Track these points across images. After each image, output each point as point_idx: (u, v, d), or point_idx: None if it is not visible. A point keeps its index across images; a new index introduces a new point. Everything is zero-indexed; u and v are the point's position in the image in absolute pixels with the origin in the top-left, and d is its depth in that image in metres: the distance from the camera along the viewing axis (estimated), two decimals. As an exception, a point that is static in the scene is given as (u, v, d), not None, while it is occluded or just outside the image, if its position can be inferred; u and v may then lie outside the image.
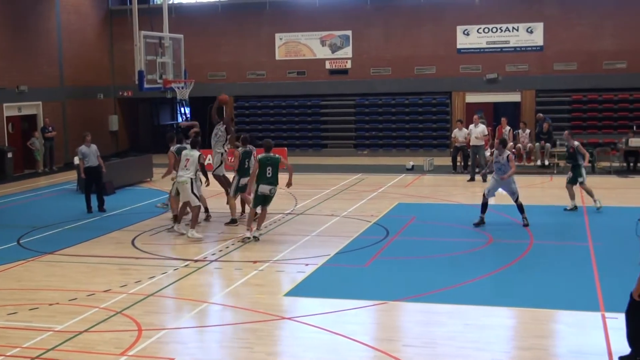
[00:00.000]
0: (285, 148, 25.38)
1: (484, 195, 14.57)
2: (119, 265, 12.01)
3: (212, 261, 12.16)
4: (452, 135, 23.80)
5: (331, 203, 17.74)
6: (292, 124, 29.89)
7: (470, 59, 27.97)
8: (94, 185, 17.25)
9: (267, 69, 29.91)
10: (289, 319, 9.15)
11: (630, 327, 7.32)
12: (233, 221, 15.06)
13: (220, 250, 12.91)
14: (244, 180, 14.92)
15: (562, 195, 17.59)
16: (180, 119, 36.02)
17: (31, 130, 26.44)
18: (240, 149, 15.00)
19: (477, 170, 21.20)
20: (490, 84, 27.81)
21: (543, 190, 19.67)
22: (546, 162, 23.57)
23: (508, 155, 14.35)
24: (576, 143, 16.07)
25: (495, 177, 14.55)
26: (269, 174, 13.50)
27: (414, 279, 10.85)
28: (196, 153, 14.02)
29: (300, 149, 29.31)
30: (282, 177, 14.00)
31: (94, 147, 17.23)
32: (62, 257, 12.61)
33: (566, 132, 16.89)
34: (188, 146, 14.60)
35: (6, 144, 24.93)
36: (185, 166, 13.92)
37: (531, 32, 27.35)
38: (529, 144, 24.21)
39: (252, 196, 13.89)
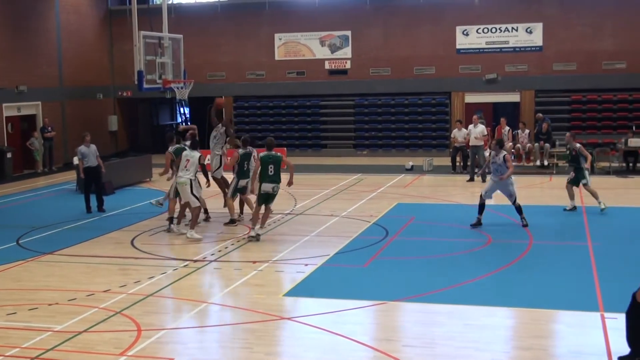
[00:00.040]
0: (285, 148, 25.38)
1: (480, 196, 14.56)
2: (118, 266, 12.01)
3: (211, 261, 12.16)
4: (452, 136, 23.81)
5: (330, 203, 17.74)
6: (291, 124, 29.89)
7: (470, 59, 27.97)
8: (94, 185, 17.25)
9: (267, 69, 29.91)
10: (289, 319, 9.15)
11: (631, 327, 7.31)
12: (232, 221, 15.06)
13: (220, 251, 12.91)
14: (242, 182, 14.94)
15: (561, 196, 17.59)
16: (179, 119, 36.01)
17: (30, 130, 26.44)
18: (240, 150, 15.00)
19: (475, 170, 21.20)
20: (490, 84, 27.82)
21: (542, 191, 19.68)
22: (545, 163, 23.57)
23: (504, 156, 14.29)
24: (578, 145, 16.06)
25: (493, 179, 14.51)
26: (271, 172, 13.55)
27: (414, 279, 10.85)
28: (197, 154, 14.01)
29: (300, 149, 29.31)
30: (283, 177, 14.02)
31: (93, 147, 17.23)
32: (62, 257, 12.61)
33: (568, 134, 16.86)
34: (187, 147, 14.62)
35: (5, 144, 24.93)
36: (186, 167, 13.91)
37: (530, 32, 27.36)
38: (528, 144, 24.22)
39: (255, 195, 13.92)
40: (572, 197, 16.06)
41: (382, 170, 24.17)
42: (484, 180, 18.46)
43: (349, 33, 29.08)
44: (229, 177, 15.53)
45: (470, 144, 21.99)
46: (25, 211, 18.15)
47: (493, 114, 28.68)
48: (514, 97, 27.95)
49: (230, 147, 16.50)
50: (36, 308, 9.67)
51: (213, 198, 17.14)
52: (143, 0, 26.69)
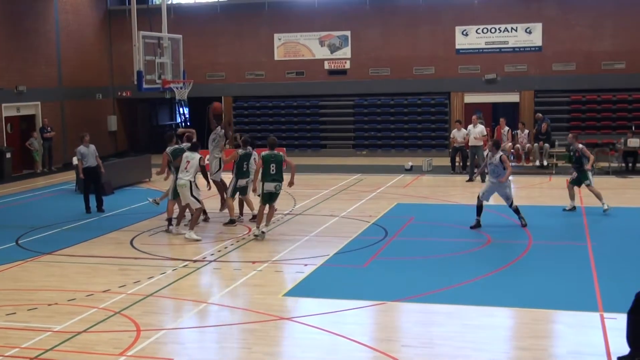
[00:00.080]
0: (284, 148, 25.39)
1: (478, 197, 14.53)
2: (117, 266, 12.00)
3: (210, 261, 12.15)
4: (451, 136, 23.81)
5: (330, 203, 17.75)
6: (291, 125, 29.90)
7: (469, 59, 27.99)
8: (93, 185, 17.25)
9: (266, 69, 29.92)
10: (288, 319, 9.15)
11: (632, 327, 7.29)
12: (231, 222, 15.06)
13: (219, 251, 12.91)
14: (241, 182, 14.96)
15: (560, 196, 17.61)
16: (179, 120, 36.00)
17: (30, 130, 26.43)
18: (240, 150, 15.03)
19: (475, 171, 21.19)
20: (489, 85, 27.83)
21: (542, 191, 19.68)
22: (545, 163, 23.57)
23: (501, 157, 14.21)
24: (580, 146, 16.05)
25: (492, 180, 14.43)
26: (273, 170, 13.62)
27: (413, 279, 10.84)
28: (197, 155, 14.00)
29: (299, 150, 29.31)
30: (285, 177, 14.02)
31: (92, 147, 17.22)
32: (61, 258, 12.61)
33: (570, 135, 16.85)
34: (185, 147, 14.62)
35: (5, 145, 24.93)
36: (186, 169, 13.90)
37: (530, 32, 27.37)
38: (528, 145, 24.23)
39: (257, 194, 14.01)
40: (572, 197, 16.06)
41: (382, 170, 24.17)
42: (483, 180, 18.47)
43: (348, 33, 29.09)
44: (229, 179, 15.52)
45: (469, 144, 21.99)
46: (24, 211, 18.14)
47: (492, 114, 28.70)
48: (513, 97, 27.95)
49: (230, 147, 16.51)
50: (35, 308, 9.67)
51: (212, 198, 17.13)
52: (142, 1, 26.67)
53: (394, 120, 29.02)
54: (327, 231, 14.45)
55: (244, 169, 14.96)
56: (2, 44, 25.36)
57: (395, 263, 11.86)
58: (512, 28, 27.52)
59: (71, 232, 14.90)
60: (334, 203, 17.78)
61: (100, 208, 17.07)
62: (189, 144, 14.73)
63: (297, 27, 29.45)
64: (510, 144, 23.82)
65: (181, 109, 35.11)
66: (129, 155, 28.59)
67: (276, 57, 29.80)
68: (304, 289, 10.46)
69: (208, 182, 15.18)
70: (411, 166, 23.90)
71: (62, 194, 20.62)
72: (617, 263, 11.58)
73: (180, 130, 15.68)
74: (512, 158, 23.83)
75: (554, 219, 15.45)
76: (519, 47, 27.51)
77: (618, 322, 8.42)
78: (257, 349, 8.10)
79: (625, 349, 7.42)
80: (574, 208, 15.97)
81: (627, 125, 25.53)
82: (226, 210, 15.55)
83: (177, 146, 14.93)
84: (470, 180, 21.07)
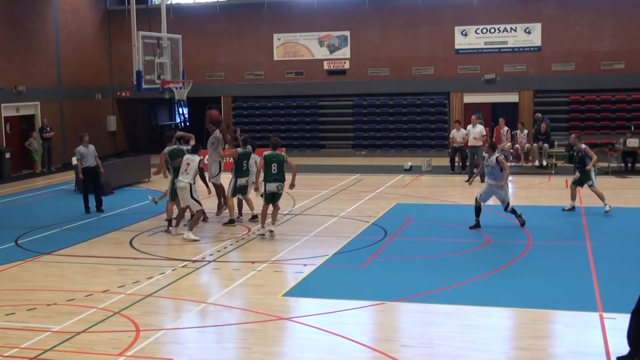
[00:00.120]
0: (284, 149, 25.36)
1: (476, 199, 14.52)
2: (117, 266, 12.00)
3: (210, 262, 12.15)
4: (450, 136, 23.81)
5: (329, 203, 17.75)
6: (290, 125, 29.90)
7: (469, 59, 27.99)
8: (92, 185, 17.25)
9: (265, 69, 29.92)
10: (287, 319, 9.15)
11: (635, 327, 7.28)
12: (231, 221, 15.06)
13: (219, 251, 12.91)
14: (241, 181, 14.99)
15: (560, 196, 17.62)
16: (178, 120, 36.00)
17: (29, 130, 26.43)
18: (239, 149, 15.07)
19: (474, 171, 21.17)
20: (488, 85, 27.83)
21: (541, 191, 19.68)
22: (544, 163, 23.57)
23: (497, 158, 14.14)
24: (583, 146, 16.04)
25: (490, 182, 14.40)
26: (274, 170, 13.69)
27: (412, 279, 10.84)
28: (197, 158, 13.98)
29: (299, 150, 29.31)
30: (287, 177, 14.05)
31: (91, 147, 17.22)
32: (60, 258, 12.61)
33: (573, 135, 16.84)
34: (183, 148, 14.62)
35: (4, 145, 24.93)
36: (186, 171, 13.89)
37: (529, 32, 27.38)
38: (527, 145, 24.23)
39: (260, 194, 14.11)
40: (573, 197, 16.05)
41: (381, 170, 24.17)
42: (482, 181, 18.46)
43: (347, 33, 29.09)
44: (229, 179, 15.51)
45: (468, 144, 22.00)
46: (23, 211, 18.14)
47: (492, 114, 28.70)
48: (512, 98, 27.96)
49: (229, 147, 16.53)
50: (35, 308, 9.67)
51: (211, 198, 17.11)
52: (142, 1, 26.67)
53: (393, 121, 29.02)
54: (327, 231, 14.45)
55: (244, 168, 14.98)
56: (1, 44, 25.35)
57: (394, 263, 11.86)
58: (511, 28, 27.53)
59: (70, 232, 14.90)
60: (333, 203, 17.78)
61: (99, 208, 17.07)
62: (187, 146, 14.74)
63: (296, 27, 29.45)
64: (509, 144, 23.82)
65: (180, 109, 35.09)
66: (128, 155, 28.57)
67: (275, 57, 29.80)
68: (303, 289, 10.46)
69: (208, 187, 15.17)
70: (410, 166, 23.91)
71: (62, 194, 20.62)
72: (617, 263, 11.59)
73: (178, 133, 15.67)
74: (511, 158, 23.84)
75: (553, 219, 15.45)
76: (518, 47, 27.52)
77: (617, 322, 8.42)
78: (257, 349, 8.10)
79: (624, 349, 7.42)
80: (573, 208, 15.97)
81: (626, 126, 25.54)
82: (224, 212, 15.56)
83: (175, 146, 14.92)
84: (468, 181, 21.03)
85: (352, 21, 29.04)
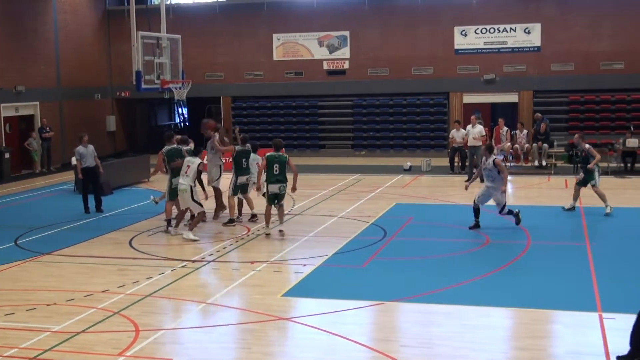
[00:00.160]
0: (284, 149, 25.33)
1: (474, 201, 14.50)
2: (116, 266, 12.00)
3: (209, 262, 12.15)
4: (450, 136, 23.81)
5: (329, 203, 17.75)
6: (289, 125, 29.88)
7: (468, 59, 27.99)
8: (92, 185, 17.25)
9: (265, 69, 29.91)
10: (287, 319, 9.15)
11: (638, 327, 7.26)
12: (231, 221, 15.07)
13: (218, 251, 12.91)
14: (242, 179, 15.02)
15: (559, 196, 17.62)
16: (177, 120, 36.02)
17: (28, 130, 26.42)
18: (238, 147, 15.11)
19: (474, 172, 21.17)
20: (488, 85, 27.84)
21: (540, 191, 19.68)
22: (544, 163, 23.57)
23: (494, 160, 14.11)
24: (587, 146, 16.02)
25: (487, 184, 14.37)
26: (276, 171, 13.75)
27: (412, 279, 10.84)
28: (197, 160, 13.97)
29: (298, 150, 29.29)
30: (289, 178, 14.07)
31: (91, 147, 17.21)
32: (60, 258, 12.60)
33: (576, 135, 16.83)
34: (181, 149, 14.61)
35: (3, 145, 24.92)
36: (186, 173, 13.87)
37: (529, 32, 27.39)
38: (527, 145, 24.23)
39: (262, 193, 14.21)
40: (575, 198, 16.03)
41: (381, 170, 24.17)
42: (482, 181, 18.44)
43: (347, 33, 29.09)
44: (229, 179, 15.51)
45: (468, 144, 22.00)
46: (23, 211, 18.13)
47: (491, 114, 28.70)
48: (512, 98, 27.97)
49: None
50: (34, 308, 9.67)
51: (210, 199, 17.10)
52: (141, 1, 26.67)
53: (393, 121, 29.02)
54: (326, 231, 14.45)
55: (243, 166, 15.01)
56: (1, 44, 25.34)
57: (394, 263, 11.86)
58: (510, 28, 27.53)
59: (70, 232, 14.89)
60: (332, 203, 17.78)
61: (99, 208, 17.06)
62: (186, 146, 14.73)
63: (296, 27, 29.45)
64: (509, 144, 23.82)
65: (180, 109, 35.16)
66: (127, 155, 28.57)
67: (275, 58, 29.80)
68: (302, 289, 10.46)
69: (205, 192, 15.16)
70: (410, 166, 23.91)
71: (61, 194, 20.61)
72: (616, 263, 11.59)
73: (177, 137, 15.65)
74: (511, 158, 23.84)
75: (553, 219, 15.45)
76: (518, 48, 27.52)
77: (617, 323, 8.43)
78: (256, 349, 8.10)
79: (624, 348, 7.41)
80: (573, 208, 15.96)
81: (626, 126, 25.55)
82: (222, 214, 15.56)
83: (174, 146, 14.91)
84: (466, 185, 21.01)
85: (351, 21, 29.04)
